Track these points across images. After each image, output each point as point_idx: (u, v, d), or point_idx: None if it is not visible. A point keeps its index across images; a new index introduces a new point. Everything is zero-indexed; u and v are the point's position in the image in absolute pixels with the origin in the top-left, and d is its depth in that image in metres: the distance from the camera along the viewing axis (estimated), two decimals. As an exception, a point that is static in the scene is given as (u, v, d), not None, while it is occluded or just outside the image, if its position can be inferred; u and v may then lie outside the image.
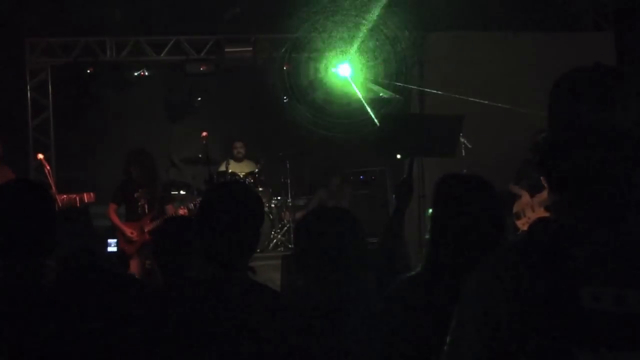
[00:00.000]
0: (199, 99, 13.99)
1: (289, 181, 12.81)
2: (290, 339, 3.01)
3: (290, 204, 12.74)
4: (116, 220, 9.90)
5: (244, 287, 3.13)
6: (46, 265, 3.20)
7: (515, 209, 10.05)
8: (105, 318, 3.06)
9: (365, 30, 12.54)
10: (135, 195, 9.93)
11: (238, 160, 12.75)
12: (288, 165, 12.78)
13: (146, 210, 9.91)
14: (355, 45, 12.82)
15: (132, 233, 9.72)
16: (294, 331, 3.02)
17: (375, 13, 11.99)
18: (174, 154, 12.22)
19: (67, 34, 12.68)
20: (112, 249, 9.53)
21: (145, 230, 9.73)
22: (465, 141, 10.35)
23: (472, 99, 10.88)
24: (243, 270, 3.18)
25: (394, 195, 4.40)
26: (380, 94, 12.66)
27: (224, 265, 3.13)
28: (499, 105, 11.01)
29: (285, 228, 12.42)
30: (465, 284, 2.02)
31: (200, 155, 11.72)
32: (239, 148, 12.79)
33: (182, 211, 10.97)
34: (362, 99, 12.08)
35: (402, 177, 4.44)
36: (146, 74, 13.32)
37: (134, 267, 9.58)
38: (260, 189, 12.24)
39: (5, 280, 3.11)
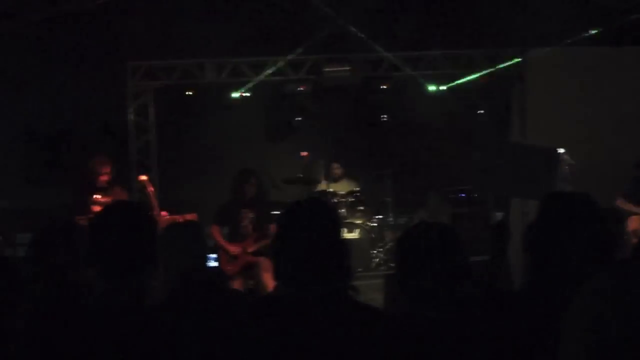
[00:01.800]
0: (298, 119, 14.12)
1: (389, 200, 12.81)
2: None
3: (391, 223, 12.74)
4: (220, 239, 9.95)
5: (347, 305, 3.14)
6: (149, 285, 3.27)
7: (632, 226, 9.81)
8: (218, 336, 3.12)
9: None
10: (240, 216, 9.95)
11: (336, 180, 12.78)
12: (389, 183, 12.79)
13: (250, 231, 9.92)
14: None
15: (235, 251, 9.80)
16: (395, 351, 3.03)
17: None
18: (274, 174, 12.33)
19: (168, 57, 12.95)
20: (212, 263, 9.62)
21: (249, 250, 9.75)
22: (569, 157, 10.18)
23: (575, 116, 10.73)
24: (342, 288, 3.19)
25: (491, 238, 4.34)
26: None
27: (319, 282, 3.15)
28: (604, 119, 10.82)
29: (387, 247, 12.39)
30: (574, 303, 2.00)
31: (301, 175, 11.81)
32: (336, 169, 12.79)
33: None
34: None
35: (498, 220, 4.40)
36: (246, 95, 13.50)
37: (237, 287, 9.60)
38: (361, 208, 12.28)
39: (109, 302, 3.17)
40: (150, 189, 10.10)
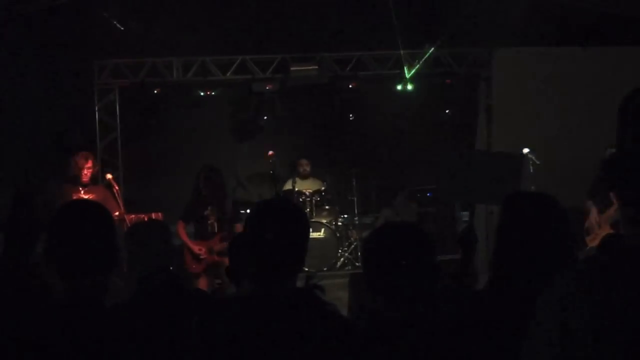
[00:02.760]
0: (265, 117, 14.13)
1: (355, 199, 12.84)
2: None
3: (357, 222, 12.77)
4: (185, 238, 9.82)
5: (312, 304, 3.15)
6: (109, 285, 3.26)
7: (586, 225, 9.94)
8: (179, 335, 3.11)
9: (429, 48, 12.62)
10: (205, 213, 9.81)
11: (304, 177, 12.78)
12: (354, 183, 12.82)
13: (215, 230, 9.81)
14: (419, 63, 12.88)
15: (200, 250, 9.75)
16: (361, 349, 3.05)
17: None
18: (241, 173, 12.33)
19: (135, 54, 12.89)
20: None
21: (215, 249, 9.71)
22: (534, 158, 10.28)
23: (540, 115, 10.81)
24: (307, 288, 3.20)
25: (459, 245, 4.37)
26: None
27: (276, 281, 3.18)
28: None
29: (353, 246, 12.42)
30: (541, 299, 2.04)
31: (270, 172, 11.81)
32: (305, 165, 12.81)
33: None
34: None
35: (464, 227, 4.43)
36: (212, 93, 13.47)
37: (202, 286, 9.57)
38: (327, 207, 12.33)
39: (67, 302, 3.15)
40: (116, 187, 10.06)
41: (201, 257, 9.67)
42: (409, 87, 13.29)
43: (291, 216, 3.28)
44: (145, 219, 10.40)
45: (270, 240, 3.16)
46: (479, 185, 4.85)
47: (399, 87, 13.35)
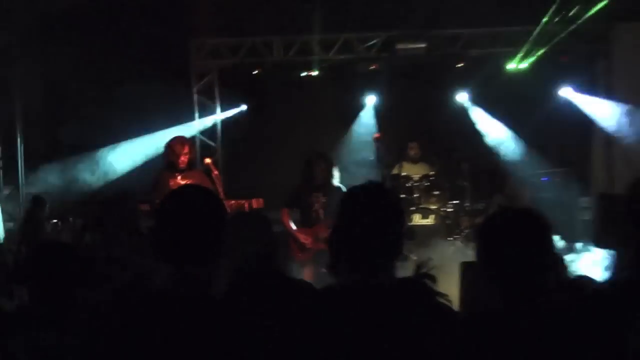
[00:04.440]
0: (371, 97, 14.04)
1: (466, 184, 12.69)
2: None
3: (468, 209, 12.61)
4: (289, 225, 9.83)
5: (424, 294, 3.09)
6: (216, 275, 3.24)
7: None
8: (282, 328, 3.08)
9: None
10: (311, 200, 9.80)
11: (413, 161, 12.65)
12: (465, 167, 12.66)
13: (321, 216, 9.79)
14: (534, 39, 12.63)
15: (306, 239, 9.82)
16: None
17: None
18: (345, 157, 12.29)
19: (234, 34, 12.95)
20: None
21: (320, 237, 9.69)
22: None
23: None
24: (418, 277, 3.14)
25: None
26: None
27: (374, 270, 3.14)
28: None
29: (463, 234, 12.27)
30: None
31: (372, 158, 11.74)
32: (414, 149, 12.68)
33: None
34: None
35: None
36: (315, 74, 13.45)
37: (307, 275, 9.56)
38: (436, 192, 12.17)
39: (175, 291, 3.14)
40: (215, 172, 10.08)
41: (307, 245, 9.68)
42: (522, 65, 13.06)
43: (384, 201, 3.26)
44: (246, 205, 10.45)
45: (363, 227, 3.16)
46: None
47: (511, 66, 13.13)
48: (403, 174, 12.25)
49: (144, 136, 12.83)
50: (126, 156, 12.86)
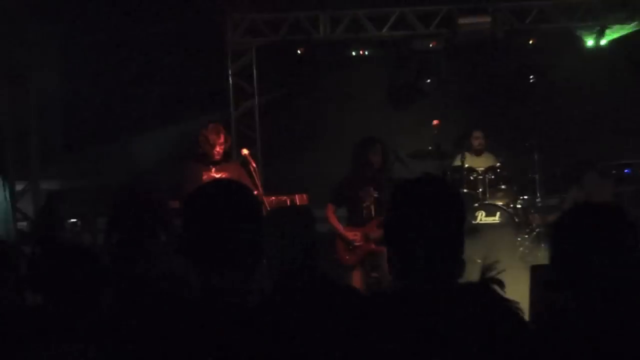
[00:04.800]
0: (428, 80, 13.99)
1: (537, 177, 12.62)
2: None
3: (539, 204, 12.54)
4: (336, 223, 9.84)
5: (491, 301, 3.06)
6: (254, 282, 3.23)
7: None
8: (324, 341, 3.05)
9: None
10: (361, 194, 9.78)
11: (477, 152, 12.60)
12: (536, 158, 12.58)
13: (372, 213, 9.75)
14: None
15: (355, 237, 9.71)
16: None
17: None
18: (399, 147, 12.25)
19: (274, 9, 12.95)
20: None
21: (371, 237, 9.67)
22: None
23: None
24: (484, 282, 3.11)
25: None
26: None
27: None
28: None
29: (534, 233, 12.19)
30: None
31: (430, 148, 11.70)
32: (479, 137, 12.62)
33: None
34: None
35: None
36: (366, 53, 13.43)
37: (356, 280, 9.55)
38: (503, 186, 12.12)
39: (207, 301, 3.13)
40: (254, 165, 10.06)
41: (356, 245, 9.65)
42: (603, 41, 12.94)
43: (443, 196, 3.23)
44: (288, 202, 10.42)
45: (418, 226, 3.14)
46: None
47: (590, 43, 13.03)
48: (466, 165, 12.21)
49: (173, 124, 12.85)
50: (154, 146, 12.89)
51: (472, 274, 3.18)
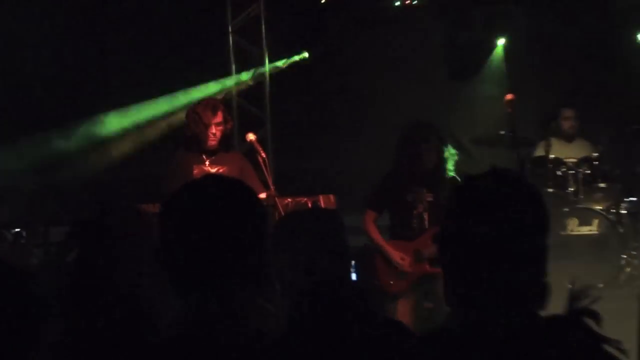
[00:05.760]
0: (501, 40, 14.01)
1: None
2: None
3: (652, 209, 12.54)
4: (377, 237, 9.82)
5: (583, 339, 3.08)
6: (257, 311, 3.25)
7: None
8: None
9: None
10: (410, 198, 9.73)
11: (567, 138, 12.56)
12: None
13: (426, 223, 9.74)
14: None
15: (402, 259, 9.72)
16: None
17: None
18: (460, 131, 12.27)
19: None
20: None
21: (425, 254, 9.68)
22: None
23: None
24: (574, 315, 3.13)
25: None
26: None
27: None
28: None
29: (646, 248, 12.18)
30: None
31: (502, 132, 11.70)
32: (570, 118, 12.58)
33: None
34: None
35: None
36: (414, 2, 13.46)
37: (402, 311, 9.49)
38: (602, 185, 12.06)
39: (191, 337, 3.15)
40: (262, 154, 9.99)
41: (404, 267, 9.61)
42: None
43: (519, 198, 3.21)
44: (309, 205, 10.42)
45: (485, 238, 3.13)
46: None
47: None
48: (552, 156, 12.14)
49: (157, 98, 12.84)
50: (131, 128, 12.89)
51: (558, 304, 3.16)
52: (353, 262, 9.34)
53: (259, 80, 13.20)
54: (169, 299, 3.23)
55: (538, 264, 3.17)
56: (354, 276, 9.25)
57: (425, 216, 9.75)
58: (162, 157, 10.18)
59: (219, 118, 9.46)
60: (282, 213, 9.45)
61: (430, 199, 9.72)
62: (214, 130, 9.41)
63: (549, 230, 3.23)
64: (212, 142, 9.43)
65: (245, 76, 13.19)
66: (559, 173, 12.04)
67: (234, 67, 13.20)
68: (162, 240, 3.26)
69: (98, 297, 4.11)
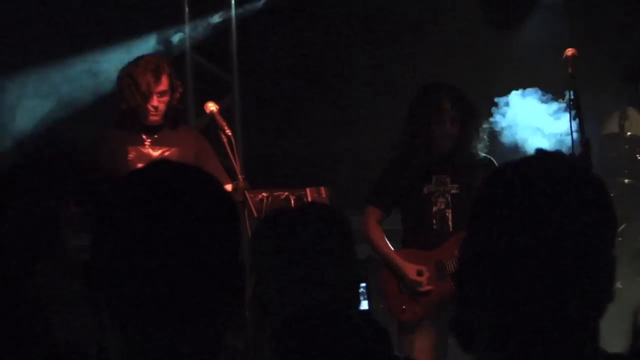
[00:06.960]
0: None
1: None
2: None
3: None
4: (384, 244, 9.82)
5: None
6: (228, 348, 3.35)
7: None
8: None
9: None
10: (426, 190, 9.72)
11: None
12: None
13: (450, 224, 9.75)
14: None
15: (420, 275, 9.58)
16: None
17: None
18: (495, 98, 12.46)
19: None
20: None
21: (451, 269, 9.56)
22: None
23: None
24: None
25: None
26: None
27: None
28: None
29: None
30: None
31: (559, 102, 11.83)
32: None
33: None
34: None
35: None
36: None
37: (421, 345, 9.30)
38: None
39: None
40: (228, 131, 9.99)
41: (421, 287, 9.73)
42: None
43: (576, 191, 3.07)
44: (292, 202, 10.47)
45: (527, 246, 2.98)
46: None
47: None
48: (628, 133, 12.26)
49: (79, 56, 12.89)
50: (44, 94, 12.92)
51: (622, 335, 3.14)
52: (364, 285, 8.69)
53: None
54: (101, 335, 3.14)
55: (601, 281, 3.02)
56: (364, 304, 8.61)
57: (449, 214, 9.71)
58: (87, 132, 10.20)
59: (163, 85, 9.49)
60: (256, 213, 9.52)
61: (454, 190, 9.67)
62: (155, 103, 9.42)
63: (616, 232, 3.21)
64: (154, 117, 9.48)
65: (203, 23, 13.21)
66: (639, 157, 12.10)
67: (187, 12, 13.28)
68: (96, 254, 3.11)
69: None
